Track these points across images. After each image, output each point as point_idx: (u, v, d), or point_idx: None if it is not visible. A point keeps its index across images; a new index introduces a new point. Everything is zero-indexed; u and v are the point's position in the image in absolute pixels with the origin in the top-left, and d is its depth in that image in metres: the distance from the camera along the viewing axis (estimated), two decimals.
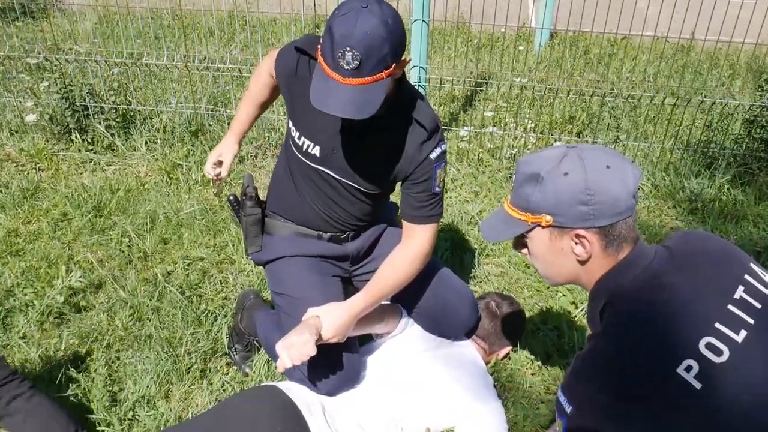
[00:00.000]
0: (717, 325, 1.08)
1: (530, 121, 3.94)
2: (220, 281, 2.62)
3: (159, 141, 3.64)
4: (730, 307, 1.11)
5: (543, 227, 1.22)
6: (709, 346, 1.06)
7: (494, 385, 2.07)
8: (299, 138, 1.85)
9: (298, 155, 1.88)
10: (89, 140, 3.67)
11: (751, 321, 1.10)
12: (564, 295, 2.58)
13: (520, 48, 5.56)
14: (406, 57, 1.60)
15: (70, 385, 2.03)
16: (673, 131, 3.85)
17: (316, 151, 1.84)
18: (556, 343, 2.33)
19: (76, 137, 3.63)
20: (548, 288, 2.66)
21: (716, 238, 1.31)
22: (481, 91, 4.56)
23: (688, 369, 1.04)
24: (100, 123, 3.65)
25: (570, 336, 2.35)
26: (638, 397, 1.08)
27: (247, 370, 2.17)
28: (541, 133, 3.87)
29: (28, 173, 3.46)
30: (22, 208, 3.08)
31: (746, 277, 1.17)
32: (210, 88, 4.05)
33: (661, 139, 3.68)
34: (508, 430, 1.92)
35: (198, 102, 3.85)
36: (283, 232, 2.05)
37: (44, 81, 3.88)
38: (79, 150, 3.62)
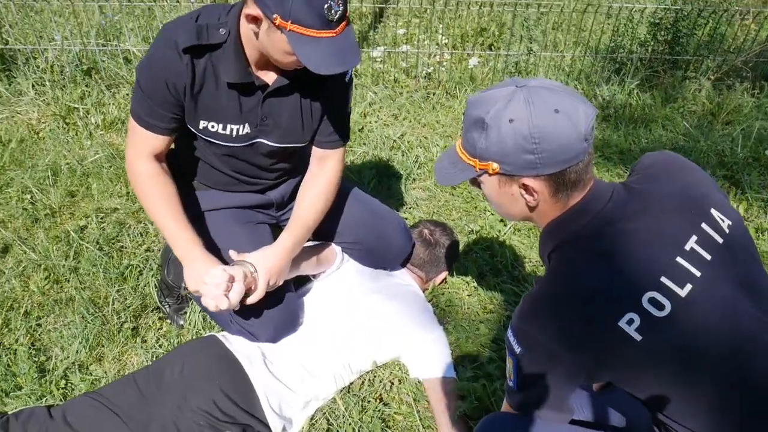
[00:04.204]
0: (663, 279, 1.08)
1: (443, 36, 3.86)
2: (140, 233, 2.47)
3: (48, 83, 3.31)
4: (678, 259, 1.10)
5: (491, 175, 1.17)
6: (652, 300, 1.07)
7: (434, 312, 2.11)
8: (224, 128, 1.72)
9: (226, 144, 1.76)
10: None
11: (698, 273, 1.10)
12: (492, 214, 2.62)
13: None
14: None
15: None
16: (580, 38, 3.88)
17: (245, 129, 1.74)
18: (489, 262, 2.38)
19: None
20: (476, 208, 2.69)
21: (685, 170, 1.24)
22: (389, 5, 4.40)
23: (630, 322, 1.06)
24: None
25: (502, 254, 2.40)
26: (579, 346, 1.09)
27: (181, 322, 2.10)
28: (454, 48, 3.80)
29: None
30: None
31: (702, 225, 1.15)
32: (97, 18, 3.68)
33: (571, 48, 3.71)
34: (452, 353, 1.97)
35: (86, 36, 3.50)
36: (199, 189, 1.96)
37: None
38: None
